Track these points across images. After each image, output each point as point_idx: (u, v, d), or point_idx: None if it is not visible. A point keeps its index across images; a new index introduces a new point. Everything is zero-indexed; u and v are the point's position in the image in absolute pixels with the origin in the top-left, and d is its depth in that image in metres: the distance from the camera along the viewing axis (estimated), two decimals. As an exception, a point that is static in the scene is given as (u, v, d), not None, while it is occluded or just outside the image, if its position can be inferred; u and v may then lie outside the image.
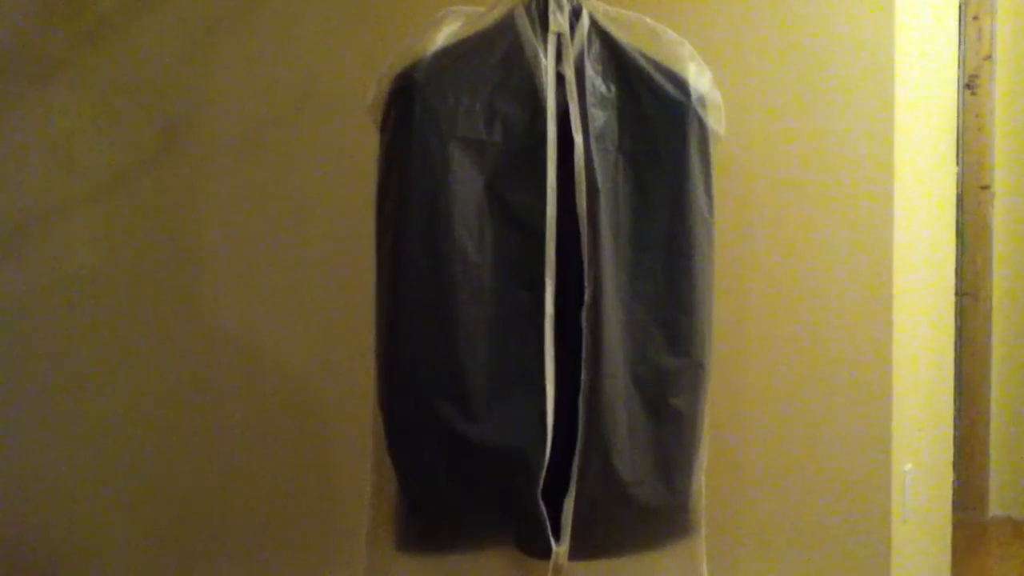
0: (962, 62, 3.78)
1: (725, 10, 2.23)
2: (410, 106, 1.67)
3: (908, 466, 2.30)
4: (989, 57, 3.88)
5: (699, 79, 1.77)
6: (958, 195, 3.44)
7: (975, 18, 3.87)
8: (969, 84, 3.89)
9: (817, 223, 2.19)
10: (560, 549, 1.68)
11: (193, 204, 2.55)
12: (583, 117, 1.70)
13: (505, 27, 1.72)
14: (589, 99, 1.71)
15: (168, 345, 2.57)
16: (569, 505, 1.67)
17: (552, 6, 1.72)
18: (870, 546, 2.17)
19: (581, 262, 1.69)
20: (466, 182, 1.67)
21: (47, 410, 2.60)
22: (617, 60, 1.75)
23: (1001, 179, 3.97)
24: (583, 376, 1.67)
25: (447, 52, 1.70)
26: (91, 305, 2.59)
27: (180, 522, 2.57)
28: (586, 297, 1.68)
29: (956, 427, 3.12)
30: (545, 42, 1.71)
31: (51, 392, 2.60)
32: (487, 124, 1.69)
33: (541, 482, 1.64)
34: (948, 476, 2.89)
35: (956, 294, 3.03)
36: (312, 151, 2.48)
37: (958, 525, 3.09)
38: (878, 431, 2.17)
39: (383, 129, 1.74)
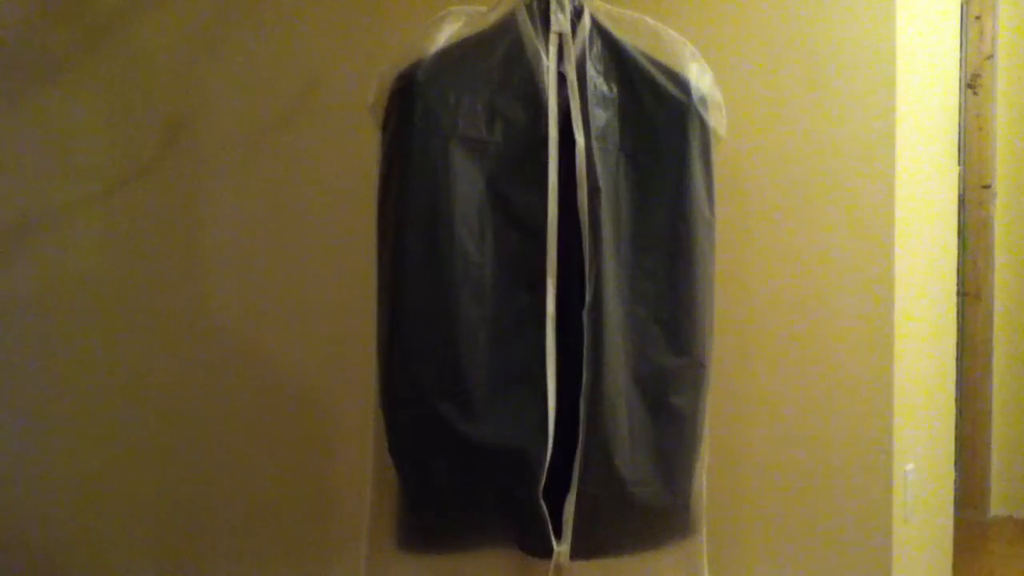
0: (964, 62, 3.78)
1: (726, 10, 2.23)
2: (411, 106, 1.67)
3: (909, 466, 2.30)
4: (991, 57, 3.88)
5: (701, 79, 1.77)
6: (960, 195, 3.44)
7: (977, 18, 3.87)
8: (971, 84, 3.89)
9: (818, 223, 2.19)
10: (561, 549, 1.68)
11: (194, 204, 2.55)
12: (584, 117, 1.70)
13: (506, 27, 1.72)
14: (590, 99, 1.71)
15: (169, 345, 2.56)
16: (570, 505, 1.67)
17: (553, 6, 1.72)
18: (871, 546, 2.17)
19: (582, 262, 1.69)
20: (467, 182, 1.67)
21: (47, 410, 2.60)
22: (619, 60, 1.75)
23: (1003, 179, 3.97)
24: (584, 376, 1.67)
25: (448, 52, 1.70)
26: (92, 305, 2.59)
27: (180, 522, 2.57)
28: (587, 297, 1.67)
29: (957, 427, 3.11)
30: (546, 42, 1.71)
31: (51, 392, 2.60)
32: (488, 124, 1.69)
33: (542, 482, 1.64)
34: (949, 476, 2.89)
35: (958, 294, 3.03)
36: (313, 151, 2.48)
37: (959, 525, 3.09)
38: (879, 431, 2.17)
39: (384, 129, 1.74)
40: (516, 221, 1.69)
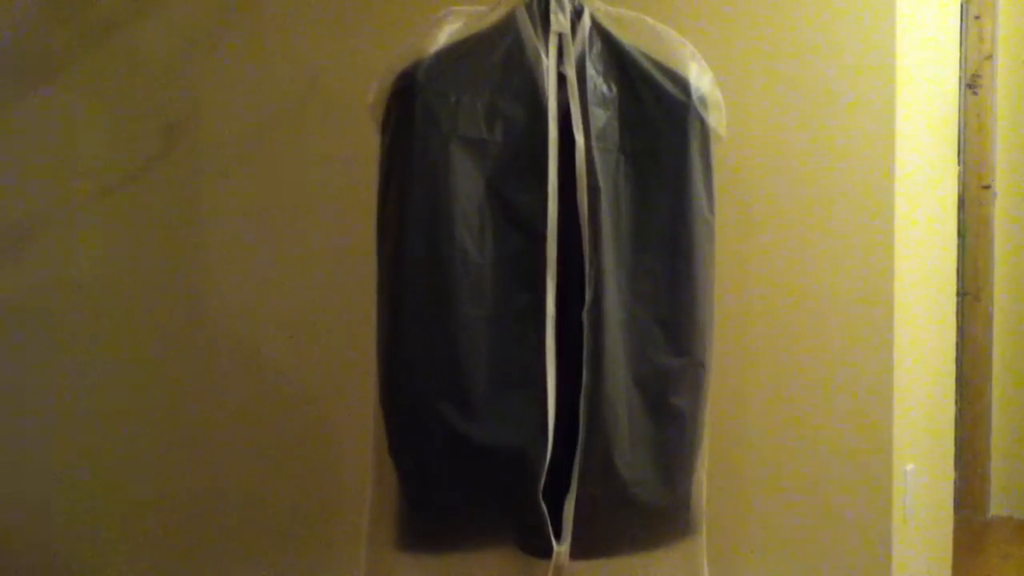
0: (964, 62, 3.77)
1: (726, 10, 2.23)
2: (411, 105, 1.67)
3: (909, 466, 2.30)
4: (990, 57, 3.88)
5: (700, 79, 1.77)
6: (959, 195, 3.44)
7: (977, 18, 3.86)
8: (971, 84, 3.89)
9: (818, 223, 2.19)
10: (561, 548, 1.68)
11: (194, 204, 2.55)
12: (584, 117, 1.70)
13: (506, 27, 1.72)
14: (590, 99, 1.71)
15: (169, 345, 2.57)
16: (570, 505, 1.67)
17: (553, 6, 1.72)
18: (870, 546, 2.17)
19: (582, 262, 1.69)
20: (467, 182, 1.67)
21: (48, 411, 2.60)
22: (618, 60, 1.75)
23: (1002, 179, 3.97)
24: (584, 376, 1.67)
25: (448, 52, 1.70)
26: (92, 305, 2.59)
27: (180, 522, 2.57)
28: (587, 297, 1.68)
29: (957, 427, 3.11)
30: (546, 42, 1.71)
31: (52, 393, 2.60)
32: (488, 123, 1.69)
33: (542, 482, 1.64)
34: (949, 476, 2.89)
35: (957, 294, 3.03)
36: (313, 151, 2.48)
37: (959, 525, 3.09)
38: (879, 431, 2.17)
39: (384, 129, 1.74)
40: (516, 221, 1.69)
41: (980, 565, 3.47)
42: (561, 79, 1.71)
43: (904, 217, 2.21)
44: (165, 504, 2.57)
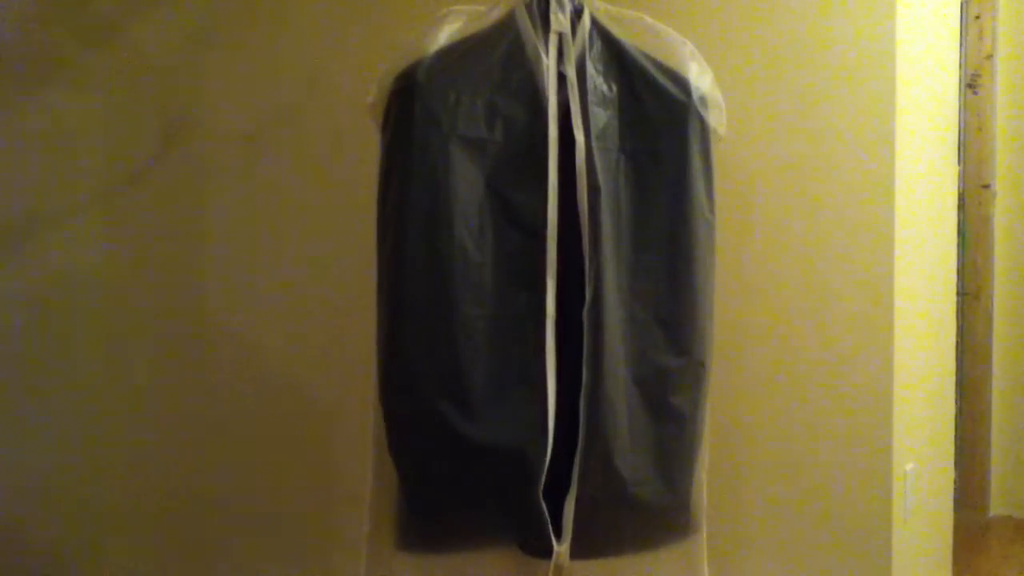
0: (964, 61, 3.78)
1: (726, 10, 2.23)
2: (411, 105, 1.67)
3: (909, 465, 2.30)
4: (991, 56, 3.88)
5: (700, 79, 1.77)
6: (959, 194, 3.44)
7: (977, 17, 3.87)
8: (971, 83, 3.89)
9: (818, 222, 2.19)
10: (561, 548, 1.68)
11: (194, 204, 2.55)
12: (584, 116, 1.70)
13: (506, 26, 1.72)
14: (590, 98, 1.71)
15: (169, 345, 2.57)
16: (570, 504, 1.67)
17: (553, 5, 1.72)
18: (870, 546, 2.17)
19: (582, 261, 1.69)
20: (467, 181, 1.67)
21: (47, 410, 2.60)
22: (618, 59, 1.75)
23: (1002, 178, 3.97)
24: (584, 375, 1.67)
25: (448, 51, 1.70)
26: (92, 305, 2.59)
27: (180, 522, 2.57)
28: (587, 296, 1.67)
29: (957, 426, 3.11)
30: (546, 41, 1.71)
31: (52, 392, 2.60)
32: (488, 123, 1.69)
33: (542, 481, 1.64)
34: (949, 475, 2.89)
35: (957, 293, 3.03)
36: (313, 151, 2.48)
37: (959, 524, 3.09)
38: (879, 430, 2.17)
39: (384, 128, 1.74)
40: (516, 221, 1.69)
41: (980, 565, 3.47)
42: (561, 79, 1.71)
43: (904, 217, 2.21)
44: (164, 504, 2.57)
